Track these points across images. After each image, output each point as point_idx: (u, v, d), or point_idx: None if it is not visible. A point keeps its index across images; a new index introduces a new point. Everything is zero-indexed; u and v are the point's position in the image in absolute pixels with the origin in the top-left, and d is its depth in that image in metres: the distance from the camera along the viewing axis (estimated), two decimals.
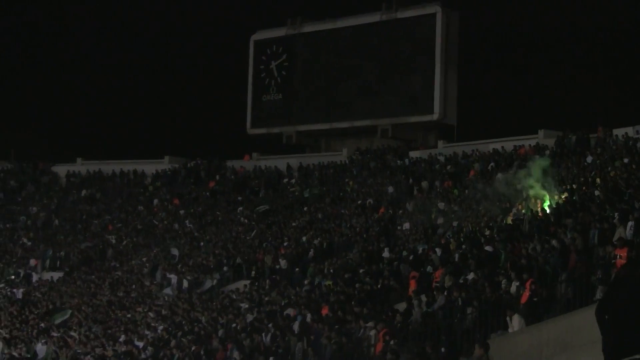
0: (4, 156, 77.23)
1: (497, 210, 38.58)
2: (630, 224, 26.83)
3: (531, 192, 37.27)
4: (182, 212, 59.86)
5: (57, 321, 44.19)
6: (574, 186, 37.51)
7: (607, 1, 71.92)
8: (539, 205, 36.17)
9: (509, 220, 35.94)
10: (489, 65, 73.36)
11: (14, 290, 52.61)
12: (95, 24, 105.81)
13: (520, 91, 69.75)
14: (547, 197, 36.72)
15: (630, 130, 46.71)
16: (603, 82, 69.50)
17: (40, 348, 40.61)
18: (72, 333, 41.54)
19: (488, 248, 30.54)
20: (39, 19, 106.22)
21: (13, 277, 55.20)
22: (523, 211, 36.07)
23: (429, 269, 31.34)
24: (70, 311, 44.64)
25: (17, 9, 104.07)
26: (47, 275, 54.53)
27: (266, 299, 36.38)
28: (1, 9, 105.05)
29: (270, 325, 31.04)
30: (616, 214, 28.47)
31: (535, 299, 23.75)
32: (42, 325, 44.54)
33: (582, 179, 38.64)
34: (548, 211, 34.64)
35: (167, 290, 44.47)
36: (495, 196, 39.97)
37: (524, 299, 23.96)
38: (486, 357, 19.54)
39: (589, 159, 43.93)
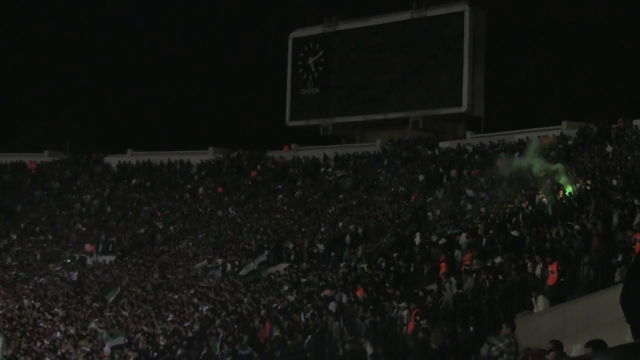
0: (60, 148, 77.74)
1: (521, 196, 38.39)
2: None
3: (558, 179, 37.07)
4: (225, 199, 60.06)
5: (110, 298, 44.43)
6: (596, 174, 37.29)
7: None
8: (560, 192, 35.93)
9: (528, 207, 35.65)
10: (514, 60, 72.96)
11: (70, 272, 53.05)
12: (145, 20, 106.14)
13: (544, 84, 69.27)
14: (569, 184, 36.48)
15: None
16: (624, 75, 68.96)
17: (93, 327, 40.89)
18: (124, 312, 41.80)
19: (514, 233, 30.44)
20: (88, 15, 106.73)
21: (69, 260, 55.62)
22: (544, 199, 35.85)
23: (458, 253, 31.25)
24: (119, 288, 44.85)
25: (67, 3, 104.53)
26: (100, 259, 54.90)
27: (304, 280, 36.41)
28: (53, 4, 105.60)
29: (308, 305, 31.09)
30: (636, 200, 28.30)
31: (561, 280, 23.66)
32: (96, 305, 44.85)
33: (603, 167, 38.42)
34: (570, 197, 34.42)
35: (216, 273, 44.63)
36: (518, 183, 39.86)
37: (549, 281, 23.86)
38: (512, 335, 19.47)
39: (609, 148, 43.66)
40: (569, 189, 36.00)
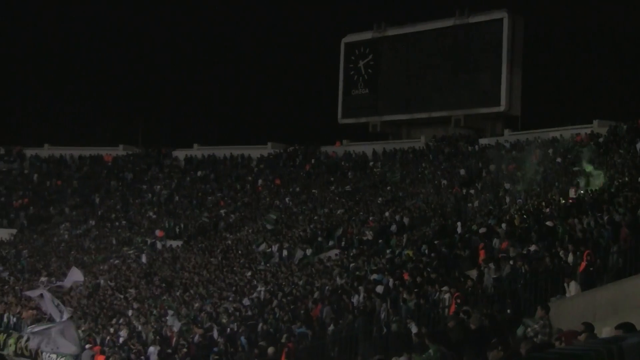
0: (133, 142, 78.44)
1: (555, 190, 38.07)
2: None
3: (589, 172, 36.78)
4: (282, 190, 60.22)
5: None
6: (625, 169, 36.87)
7: None
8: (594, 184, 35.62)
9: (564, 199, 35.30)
10: (549, 62, 72.42)
11: (141, 255, 53.52)
12: (213, 26, 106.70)
13: (577, 85, 68.65)
14: (601, 177, 36.14)
15: None
16: None
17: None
18: (190, 291, 42.04)
19: (548, 223, 30.17)
20: (158, 18, 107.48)
21: (141, 244, 56.12)
22: (581, 191, 35.53)
23: (496, 241, 31.04)
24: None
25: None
26: (168, 244, 55.29)
27: (353, 265, 36.36)
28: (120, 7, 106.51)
29: (358, 288, 31.07)
30: None
31: (590, 269, 23.45)
32: (164, 285, 45.18)
33: (632, 163, 37.98)
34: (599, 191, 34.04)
35: (271, 257, 44.75)
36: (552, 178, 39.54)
37: (581, 268, 23.67)
38: (547, 317, 19.33)
39: (639, 145, 43.14)
40: (598, 181, 35.65)
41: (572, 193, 35.76)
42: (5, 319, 46.48)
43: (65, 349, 32.37)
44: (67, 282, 37.50)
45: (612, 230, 25.58)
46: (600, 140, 47.67)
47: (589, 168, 36.88)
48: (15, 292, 50.85)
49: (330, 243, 44.38)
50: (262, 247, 47.11)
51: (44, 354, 38.46)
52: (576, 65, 72.85)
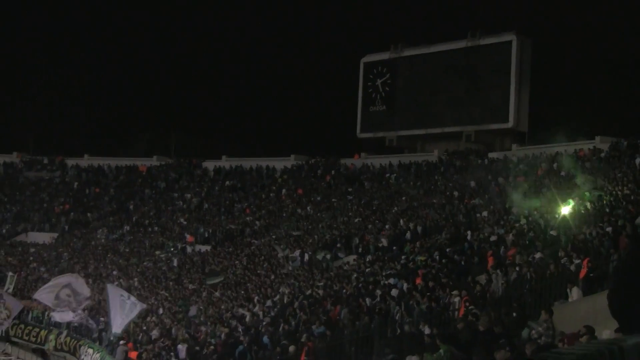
0: (166, 153, 78.73)
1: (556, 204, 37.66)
2: None
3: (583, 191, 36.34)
4: (304, 199, 60.21)
5: (211, 282, 44.73)
6: (625, 182, 36.60)
7: None
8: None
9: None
10: (555, 82, 72.20)
11: (172, 258, 53.62)
12: (241, 45, 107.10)
13: (581, 103, 68.34)
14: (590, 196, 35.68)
15: None
16: None
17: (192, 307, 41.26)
18: (216, 294, 42.10)
19: (552, 232, 30.03)
20: (189, 41, 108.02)
21: (172, 249, 56.23)
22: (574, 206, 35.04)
23: (503, 249, 30.91)
24: (222, 277, 45.09)
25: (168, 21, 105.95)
26: (198, 248, 55.38)
27: (369, 270, 36.29)
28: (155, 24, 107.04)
29: (373, 291, 30.99)
30: None
31: (591, 275, 23.31)
32: (193, 286, 45.24)
33: (632, 177, 37.73)
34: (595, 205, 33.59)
35: (295, 262, 44.70)
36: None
37: (581, 275, 23.54)
38: (550, 320, 19.23)
39: (638, 160, 42.88)
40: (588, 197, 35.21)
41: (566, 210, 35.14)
42: (46, 317, 46.68)
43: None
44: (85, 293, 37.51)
45: (612, 239, 25.42)
46: (602, 155, 47.44)
47: (586, 196, 36.27)
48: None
49: (349, 249, 44.28)
50: (285, 252, 47.11)
51: (81, 347, 38.59)
52: (580, 84, 72.64)
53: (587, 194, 36.09)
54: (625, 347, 4.12)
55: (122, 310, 33.00)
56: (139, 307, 33.91)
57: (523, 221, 34.65)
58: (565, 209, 34.26)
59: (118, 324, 33.06)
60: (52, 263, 59.56)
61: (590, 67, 75.07)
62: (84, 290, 36.59)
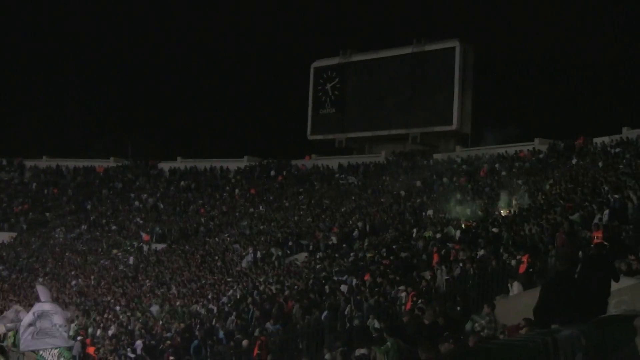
0: (123, 155, 78.06)
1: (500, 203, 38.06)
2: (605, 212, 26.57)
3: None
4: (257, 199, 60.13)
5: None
6: (562, 182, 37.11)
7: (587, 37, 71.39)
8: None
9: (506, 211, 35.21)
10: (496, 86, 73.02)
11: (129, 257, 53.19)
12: (195, 52, 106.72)
13: (521, 106, 69.17)
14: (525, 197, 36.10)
15: (606, 140, 46.30)
16: (586, 99, 69.04)
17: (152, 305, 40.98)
18: (173, 291, 41.88)
19: (494, 230, 30.33)
20: (146, 42, 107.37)
21: (129, 247, 55.79)
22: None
23: (448, 246, 31.12)
24: None
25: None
26: (154, 246, 55.02)
27: (319, 267, 36.36)
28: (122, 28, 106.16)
29: (324, 287, 31.06)
30: (594, 205, 28.20)
31: (530, 270, 23.60)
32: (149, 284, 44.96)
33: (568, 177, 38.24)
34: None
35: (247, 259, 44.57)
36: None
37: (521, 270, 23.82)
38: (492, 314, 19.45)
39: (574, 161, 43.54)
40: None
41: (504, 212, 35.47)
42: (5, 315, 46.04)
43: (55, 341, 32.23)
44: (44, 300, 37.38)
45: (551, 235, 25.74)
46: (541, 156, 48.07)
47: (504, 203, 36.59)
48: (14, 289, 50.45)
49: (299, 247, 44.29)
50: (238, 250, 46.99)
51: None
52: (520, 88, 73.56)
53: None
54: (559, 338, 4.25)
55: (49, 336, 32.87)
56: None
57: (466, 219, 34.99)
58: (502, 210, 34.74)
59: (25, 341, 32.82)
60: (11, 262, 58.77)
61: (529, 73, 76.07)
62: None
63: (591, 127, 51.99)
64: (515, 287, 22.88)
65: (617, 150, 42.31)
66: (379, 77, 65.78)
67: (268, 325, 28.25)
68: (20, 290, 49.79)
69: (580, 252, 22.51)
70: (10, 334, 42.12)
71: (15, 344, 40.91)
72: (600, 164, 39.46)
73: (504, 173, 45.92)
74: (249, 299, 33.69)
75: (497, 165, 48.46)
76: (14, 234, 66.01)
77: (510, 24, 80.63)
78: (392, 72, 65.04)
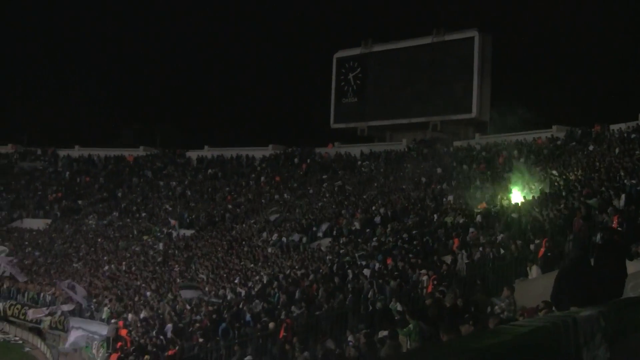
0: (152, 144, 78.44)
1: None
2: (622, 196, 26.42)
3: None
4: (281, 186, 60.23)
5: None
6: (579, 168, 36.93)
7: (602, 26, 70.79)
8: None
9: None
10: (515, 74, 72.57)
11: (158, 242, 53.46)
12: (225, 45, 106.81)
13: (539, 94, 68.70)
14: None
15: (623, 126, 45.92)
16: (603, 87, 68.49)
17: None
18: (201, 275, 42.02)
19: (514, 215, 30.26)
20: (173, 35, 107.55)
21: (158, 233, 56.07)
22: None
23: (468, 231, 31.08)
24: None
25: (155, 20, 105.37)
26: (182, 233, 55.27)
27: (343, 251, 36.40)
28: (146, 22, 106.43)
29: (348, 271, 31.10)
30: (611, 190, 28.06)
31: (549, 254, 23.52)
32: (178, 268, 45.15)
33: (586, 163, 38.05)
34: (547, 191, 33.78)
35: (274, 245, 44.67)
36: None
37: (540, 254, 23.75)
38: (512, 297, 19.41)
39: (591, 147, 43.26)
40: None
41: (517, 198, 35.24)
42: (41, 298, 46.57)
43: (97, 329, 33.01)
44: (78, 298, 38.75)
45: (568, 220, 25.64)
46: (558, 142, 47.79)
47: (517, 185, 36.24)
48: (50, 274, 50.90)
49: (323, 232, 44.34)
50: (264, 236, 47.12)
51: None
52: (538, 75, 73.09)
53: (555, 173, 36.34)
54: (578, 319, 4.24)
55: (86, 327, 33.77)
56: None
57: (486, 205, 34.91)
58: (516, 196, 34.59)
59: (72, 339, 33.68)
60: (46, 247, 59.30)
61: (546, 61, 75.56)
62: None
63: (608, 114, 51.64)
64: (534, 271, 22.83)
65: (633, 136, 41.98)
66: (400, 67, 65.59)
67: (293, 308, 28.32)
68: (55, 275, 50.22)
69: (597, 237, 22.42)
70: (46, 318, 42.53)
71: (51, 327, 41.41)
72: (616, 150, 39.19)
73: (522, 159, 45.68)
74: (275, 283, 33.78)
75: (515, 152, 48.21)
76: (48, 221, 66.59)
77: (527, 12, 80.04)
78: (413, 61, 64.84)
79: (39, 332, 43.97)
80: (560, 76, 72.94)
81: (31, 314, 42.91)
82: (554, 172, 37.79)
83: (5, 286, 50.30)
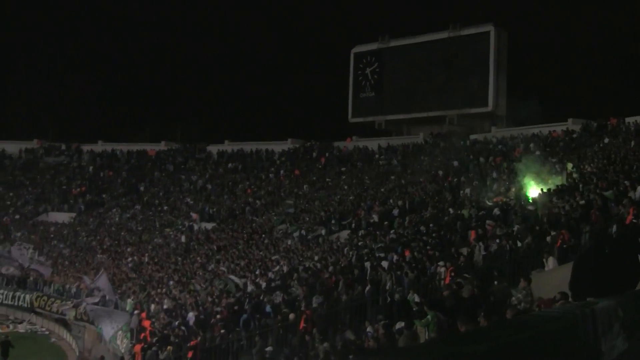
0: (173, 139, 78.65)
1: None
2: (638, 188, 26.26)
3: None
4: (300, 180, 60.26)
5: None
6: (595, 160, 36.73)
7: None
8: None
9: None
10: (530, 68, 72.25)
11: (180, 235, 53.66)
12: (244, 42, 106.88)
13: (554, 87, 68.42)
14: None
15: (639, 119, 45.61)
16: (618, 80, 68.06)
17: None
18: (222, 268, 42.16)
19: (530, 207, 30.14)
20: (192, 36, 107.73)
21: (180, 226, 56.27)
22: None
23: (485, 223, 30.98)
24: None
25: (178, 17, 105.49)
26: (203, 226, 55.43)
27: (361, 243, 36.39)
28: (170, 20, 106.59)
29: (366, 263, 31.08)
30: (626, 181, 27.89)
31: (565, 246, 23.41)
32: (200, 260, 45.32)
33: (601, 155, 37.83)
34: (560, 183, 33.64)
35: (293, 238, 44.72)
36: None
37: (556, 245, 23.64)
38: (529, 288, 19.33)
39: (606, 140, 43.00)
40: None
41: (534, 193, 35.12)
42: (67, 290, 46.90)
43: (119, 319, 33.19)
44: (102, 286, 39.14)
45: (585, 212, 25.52)
46: (574, 135, 47.54)
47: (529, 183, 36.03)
48: (75, 266, 51.25)
49: (342, 225, 44.35)
50: (283, 228, 47.18)
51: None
52: (553, 69, 72.73)
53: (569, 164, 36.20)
54: (597, 309, 4.23)
55: (111, 319, 34.00)
56: (124, 317, 34.73)
57: (502, 197, 34.77)
58: (533, 191, 34.43)
59: (109, 331, 33.89)
60: (70, 240, 59.67)
61: (561, 54, 75.15)
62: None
63: (623, 107, 51.30)
64: (551, 262, 22.72)
65: None
66: (416, 62, 65.42)
67: (313, 299, 28.34)
68: (80, 267, 50.56)
69: (613, 228, 22.30)
70: (72, 310, 42.79)
71: (76, 318, 41.70)
72: (632, 142, 38.94)
73: (537, 152, 45.47)
74: (295, 275, 33.82)
75: (531, 145, 48.00)
76: (73, 215, 67.00)
77: (542, 6, 79.60)
78: (429, 56, 64.64)
79: (64, 324, 44.28)
80: (575, 69, 72.54)
81: (56, 306, 43.22)
82: (570, 164, 37.61)
83: (31, 278, 50.72)
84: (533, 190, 34.95)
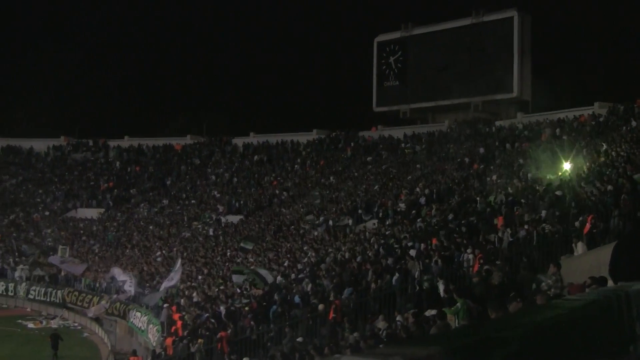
0: (199, 132, 78.91)
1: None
2: None
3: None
4: (326, 170, 60.24)
5: (245, 246, 44.86)
6: (623, 144, 36.37)
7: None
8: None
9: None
10: (554, 53, 71.68)
11: (208, 228, 53.88)
12: (269, 35, 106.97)
13: (580, 71, 67.76)
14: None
15: None
16: None
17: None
18: (250, 259, 42.29)
19: (558, 192, 29.93)
20: (218, 29, 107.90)
21: (208, 219, 56.49)
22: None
23: (513, 209, 30.80)
24: (253, 245, 45.14)
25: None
26: (231, 218, 55.60)
27: (389, 233, 36.32)
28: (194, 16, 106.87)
29: (394, 252, 31.03)
30: None
31: (594, 230, 23.25)
32: (229, 252, 45.48)
33: (629, 138, 37.48)
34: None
35: (319, 228, 44.76)
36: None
37: (585, 230, 23.49)
38: (558, 273, 19.24)
39: (634, 123, 42.58)
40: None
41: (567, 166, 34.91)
42: (97, 284, 47.29)
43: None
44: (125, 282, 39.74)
45: (613, 196, 25.31)
46: (601, 119, 47.13)
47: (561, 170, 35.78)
48: (105, 262, 51.63)
49: (369, 214, 44.30)
50: (311, 219, 47.20)
51: (130, 311, 39.12)
52: (578, 53, 72.11)
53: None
54: (631, 292, 4.19)
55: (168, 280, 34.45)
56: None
57: (530, 183, 34.56)
58: (567, 165, 34.19)
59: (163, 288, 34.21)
60: (100, 236, 60.13)
61: (587, 38, 74.46)
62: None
63: None
64: (580, 247, 22.59)
65: None
66: (440, 49, 65.08)
67: (344, 291, 28.34)
68: (109, 262, 50.93)
69: None
70: (103, 302, 43.09)
71: (108, 313, 42.04)
72: None
73: (564, 137, 45.13)
74: (322, 265, 33.83)
75: (557, 130, 47.64)
76: (101, 210, 67.49)
77: None
78: (452, 43, 64.28)
79: (96, 318, 44.67)
80: (601, 53, 71.86)
81: (92, 311, 43.30)
82: (598, 148, 37.29)
83: (63, 274, 51.21)
84: (562, 172, 34.71)
